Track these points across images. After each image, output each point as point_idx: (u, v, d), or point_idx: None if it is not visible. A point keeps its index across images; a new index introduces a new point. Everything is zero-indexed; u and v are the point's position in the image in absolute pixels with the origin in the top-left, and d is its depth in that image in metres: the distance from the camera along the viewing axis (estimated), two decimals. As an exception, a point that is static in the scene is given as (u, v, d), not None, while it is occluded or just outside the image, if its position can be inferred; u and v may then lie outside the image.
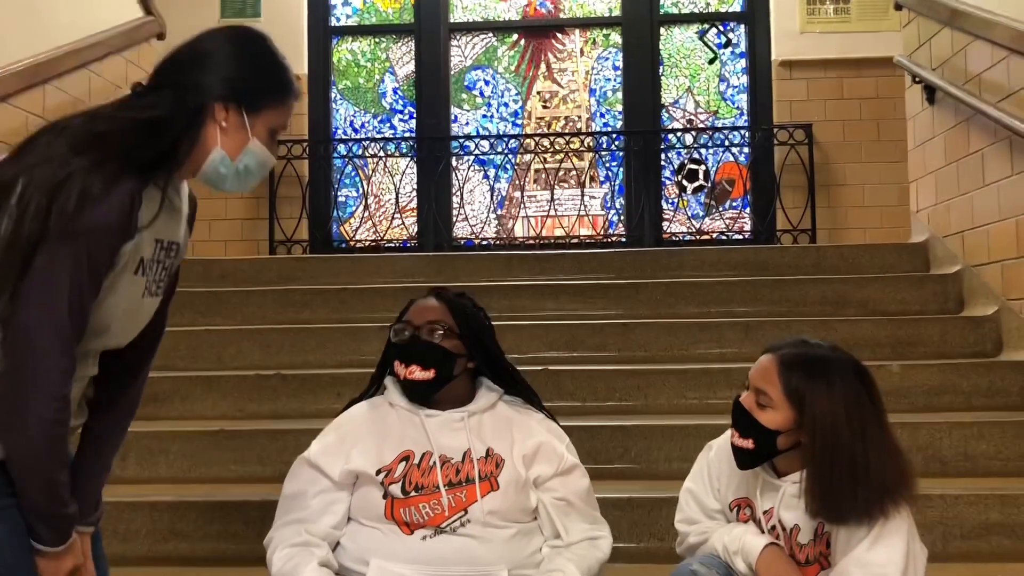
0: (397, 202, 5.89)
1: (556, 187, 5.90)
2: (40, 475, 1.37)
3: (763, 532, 1.85)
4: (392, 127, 6.09)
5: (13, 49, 3.32)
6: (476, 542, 1.89)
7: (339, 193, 5.99)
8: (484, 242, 5.87)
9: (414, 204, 5.95)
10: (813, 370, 1.75)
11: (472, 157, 5.95)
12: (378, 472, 1.92)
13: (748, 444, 1.80)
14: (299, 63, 5.91)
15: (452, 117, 6.04)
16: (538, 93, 6.12)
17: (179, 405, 3.25)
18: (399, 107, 6.10)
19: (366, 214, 5.95)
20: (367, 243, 5.89)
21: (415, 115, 6.04)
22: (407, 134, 6.04)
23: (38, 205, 1.31)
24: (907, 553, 1.71)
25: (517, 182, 6.00)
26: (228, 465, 2.91)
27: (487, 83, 6.11)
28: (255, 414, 3.24)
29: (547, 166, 5.97)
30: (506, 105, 6.08)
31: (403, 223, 5.95)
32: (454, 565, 1.87)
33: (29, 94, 3.40)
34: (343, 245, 5.90)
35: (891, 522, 1.71)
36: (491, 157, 5.95)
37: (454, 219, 5.92)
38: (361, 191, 5.98)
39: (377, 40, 6.14)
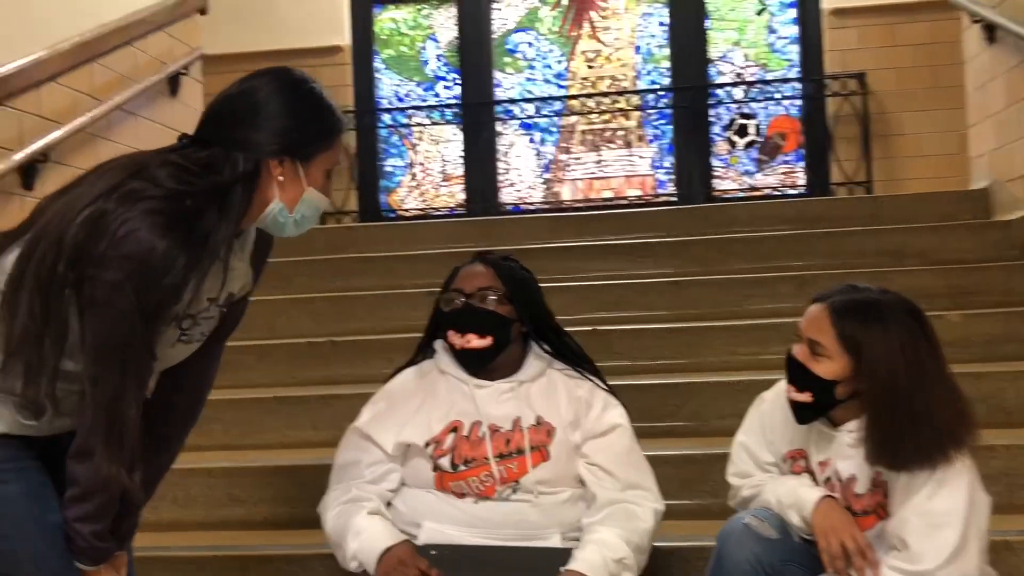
0: (443, 170, 5.88)
1: (603, 148, 5.83)
2: (92, 504, 1.41)
3: (817, 484, 1.81)
4: (436, 95, 6.06)
5: (59, 30, 3.35)
6: (528, 506, 1.88)
7: (386, 163, 5.99)
8: (531, 207, 5.83)
9: (460, 171, 5.93)
10: (867, 314, 1.70)
11: (517, 122, 5.89)
12: (427, 444, 1.92)
13: (806, 397, 1.76)
14: (341, 35, 5.90)
15: (496, 82, 5.99)
16: (582, 53, 6.03)
17: (232, 375, 3.26)
18: (442, 74, 6.06)
19: (413, 183, 5.95)
20: (415, 212, 5.90)
21: (459, 81, 6.00)
22: (451, 101, 6.01)
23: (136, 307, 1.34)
24: (970, 502, 1.66)
25: (563, 145, 5.94)
26: (282, 431, 2.94)
27: (530, 45, 6.03)
28: (307, 381, 3.27)
29: (593, 127, 5.90)
30: (550, 67, 6.00)
31: (450, 191, 5.94)
32: (506, 528, 1.86)
33: (77, 73, 3.44)
34: (391, 215, 5.92)
35: (953, 468, 1.65)
36: (536, 120, 5.89)
37: (500, 185, 5.88)
38: (407, 160, 5.98)
39: (418, 7, 6.10)
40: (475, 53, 5.96)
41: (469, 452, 1.90)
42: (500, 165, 5.88)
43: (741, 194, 5.71)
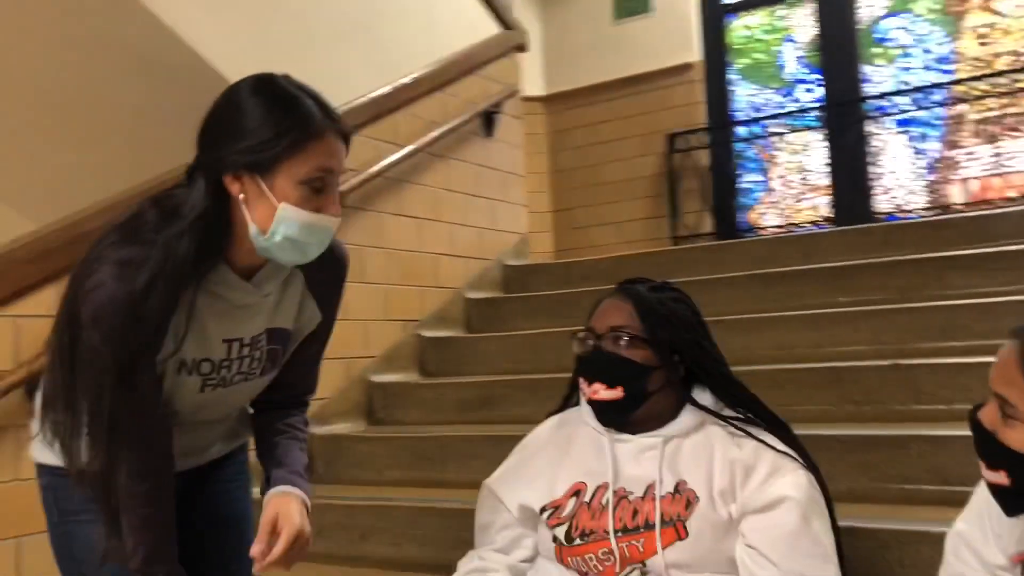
0: (804, 180, 5.31)
1: (1003, 139, 4.82)
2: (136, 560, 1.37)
3: (1054, 607, 1.22)
4: (796, 100, 5.51)
5: (362, 81, 3.55)
6: None
7: (743, 179, 5.58)
8: (910, 215, 5.01)
9: (825, 181, 5.31)
10: (1075, 359, 1.10)
11: (891, 118, 5.12)
12: (543, 510, 1.66)
13: (1001, 479, 1.20)
14: (691, 51, 5.64)
15: (863, 76, 5.27)
16: (972, 29, 5.07)
17: (508, 409, 3.24)
18: (802, 76, 5.49)
19: (773, 199, 5.46)
20: (775, 229, 5.40)
21: (821, 82, 5.39)
22: (813, 104, 5.41)
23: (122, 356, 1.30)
24: None
25: (950, 139, 5.02)
26: (524, 472, 2.80)
27: (905, 30, 5.22)
28: (572, 419, 3.09)
29: (989, 115, 4.92)
30: (929, 51, 5.13)
31: (813, 203, 5.34)
32: None
33: (380, 124, 3.62)
34: (750, 233, 5.48)
35: None
36: (915, 115, 5.07)
37: (873, 192, 5.15)
38: (766, 174, 5.51)
39: (772, 10, 5.61)
40: (839, 48, 5.32)
41: (588, 523, 1.61)
42: (871, 170, 5.15)
43: None
